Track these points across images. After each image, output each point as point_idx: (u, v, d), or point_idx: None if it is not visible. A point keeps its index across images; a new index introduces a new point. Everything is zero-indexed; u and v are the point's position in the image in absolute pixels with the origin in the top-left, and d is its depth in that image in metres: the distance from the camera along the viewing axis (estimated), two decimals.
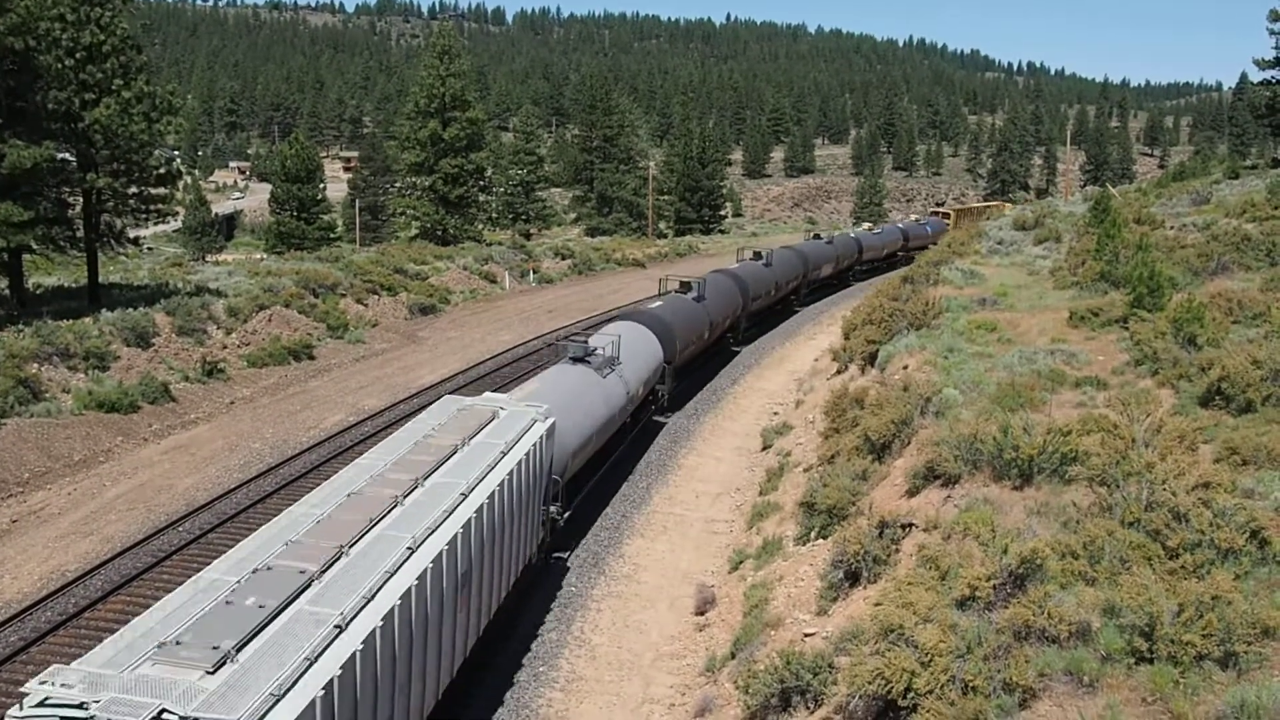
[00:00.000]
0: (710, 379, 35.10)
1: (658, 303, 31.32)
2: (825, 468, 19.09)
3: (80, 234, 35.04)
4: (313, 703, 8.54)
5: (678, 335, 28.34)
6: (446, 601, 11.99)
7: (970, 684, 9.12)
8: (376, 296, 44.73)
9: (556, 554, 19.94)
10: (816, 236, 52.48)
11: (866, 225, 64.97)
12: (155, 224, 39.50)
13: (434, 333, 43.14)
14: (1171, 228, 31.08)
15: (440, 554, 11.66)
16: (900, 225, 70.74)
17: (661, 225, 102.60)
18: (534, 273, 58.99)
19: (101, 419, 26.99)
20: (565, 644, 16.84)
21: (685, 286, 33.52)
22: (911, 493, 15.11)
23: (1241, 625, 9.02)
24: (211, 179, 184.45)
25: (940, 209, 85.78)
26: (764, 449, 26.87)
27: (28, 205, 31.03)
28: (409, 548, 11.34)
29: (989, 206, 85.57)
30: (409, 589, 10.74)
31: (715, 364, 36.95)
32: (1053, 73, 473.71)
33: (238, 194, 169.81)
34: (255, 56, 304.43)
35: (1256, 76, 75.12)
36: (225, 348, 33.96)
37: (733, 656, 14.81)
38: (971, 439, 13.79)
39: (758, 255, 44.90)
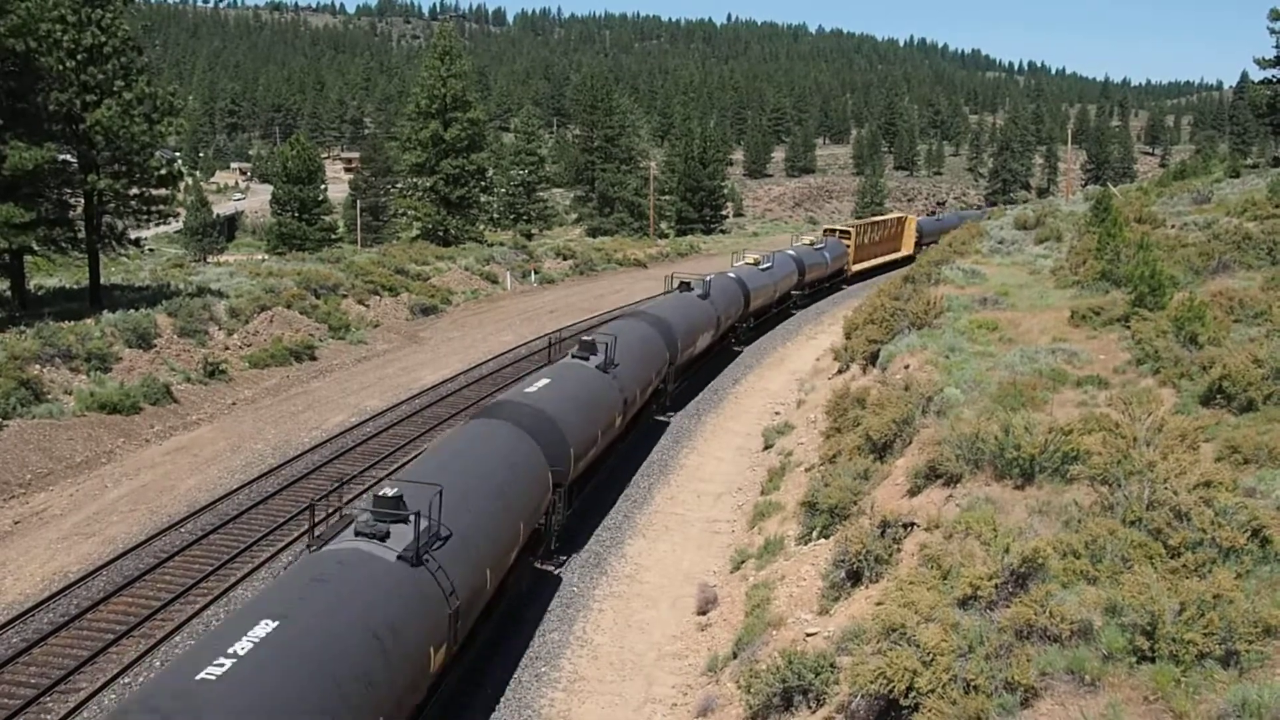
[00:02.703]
0: (711, 379, 35.11)
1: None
2: (827, 467, 19.08)
3: (82, 235, 35.08)
4: None
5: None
6: None
7: (972, 683, 9.12)
8: (378, 297, 44.75)
9: (557, 559, 19.98)
10: (685, 285, 33.74)
11: (751, 258, 44.69)
12: (156, 225, 39.54)
13: (435, 333, 43.15)
14: (1173, 227, 31.06)
15: None
16: (793, 252, 50.13)
17: (663, 225, 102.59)
18: (535, 273, 59.00)
19: (103, 420, 27.01)
20: (567, 644, 16.84)
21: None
22: (913, 492, 15.11)
23: (1243, 624, 9.01)
24: (213, 180, 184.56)
25: (837, 228, 63.30)
26: (765, 449, 26.87)
27: (29, 207, 31.07)
28: None
29: (902, 220, 71.94)
30: None
31: (716, 365, 36.94)
32: (1054, 72, 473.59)
33: (239, 195, 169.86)
34: (256, 57, 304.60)
35: (1257, 75, 75.21)
36: (227, 349, 33.98)
37: (735, 656, 14.81)
38: (973, 438, 13.78)
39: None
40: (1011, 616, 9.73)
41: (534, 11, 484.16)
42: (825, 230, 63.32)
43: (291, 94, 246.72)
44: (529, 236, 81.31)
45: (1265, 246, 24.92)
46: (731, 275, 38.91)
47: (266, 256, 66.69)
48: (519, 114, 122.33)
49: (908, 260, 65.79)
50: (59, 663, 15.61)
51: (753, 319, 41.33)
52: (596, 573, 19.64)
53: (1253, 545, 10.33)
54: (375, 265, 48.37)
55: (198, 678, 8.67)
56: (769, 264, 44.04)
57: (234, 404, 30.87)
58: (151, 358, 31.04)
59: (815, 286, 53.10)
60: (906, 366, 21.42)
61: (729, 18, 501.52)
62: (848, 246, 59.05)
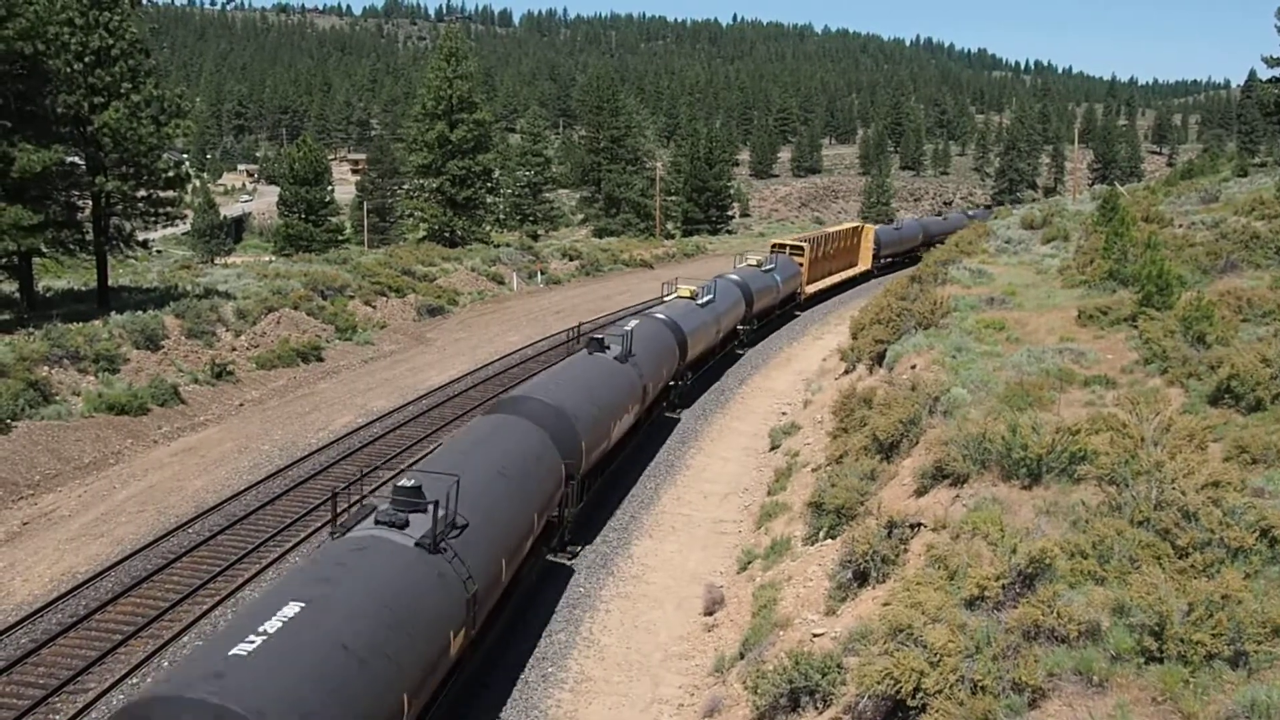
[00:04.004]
0: (717, 379, 35.10)
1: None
2: (833, 467, 19.07)
3: (89, 237, 35.24)
4: None
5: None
6: None
7: (979, 684, 9.11)
8: (385, 298, 44.81)
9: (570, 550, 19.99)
10: (597, 344, 23.78)
11: (684, 290, 33.69)
12: (164, 227, 39.70)
13: (442, 334, 43.20)
14: (1180, 226, 30.99)
15: None
16: (737, 276, 39.61)
17: (669, 226, 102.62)
18: (541, 274, 59.04)
19: (111, 421, 27.09)
20: (574, 644, 16.85)
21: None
22: (920, 492, 15.10)
23: (1252, 624, 8.99)
24: (220, 182, 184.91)
25: (787, 243, 51.94)
26: (772, 449, 26.86)
27: (37, 209, 31.20)
28: None
29: (858, 231, 62.51)
30: None
31: (721, 365, 36.92)
32: (1060, 71, 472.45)
33: (246, 197, 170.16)
34: (263, 59, 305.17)
35: (1265, 74, 74.84)
36: (234, 350, 34.05)
37: (741, 657, 14.81)
38: (980, 438, 13.76)
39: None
40: (1019, 617, 9.71)
41: (540, 12, 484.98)
42: (773, 246, 51.91)
43: (298, 96, 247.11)
44: (535, 237, 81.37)
45: (1273, 246, 24.84)
46: (660, 317, 29.39)
47: (274, 258, 66.82)
48: (525, 115, 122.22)
49: (864, 277, 60.46)
50: (68, 663, 15.65)
51: (689, 373, 31.53)
52: (603, 573, 19.64)
53: (1261, 545, 10.30)
54: (382, 266, 48.43)
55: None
56: (709, 295, 33.99)
57: (241, 405, 30.93)
58: (159, 359, 31.12)
59: (766, 316, 43.32)
60: (913, 366, 21.40)
61: (735, 18, 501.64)
62: (801, 265, 49.25)
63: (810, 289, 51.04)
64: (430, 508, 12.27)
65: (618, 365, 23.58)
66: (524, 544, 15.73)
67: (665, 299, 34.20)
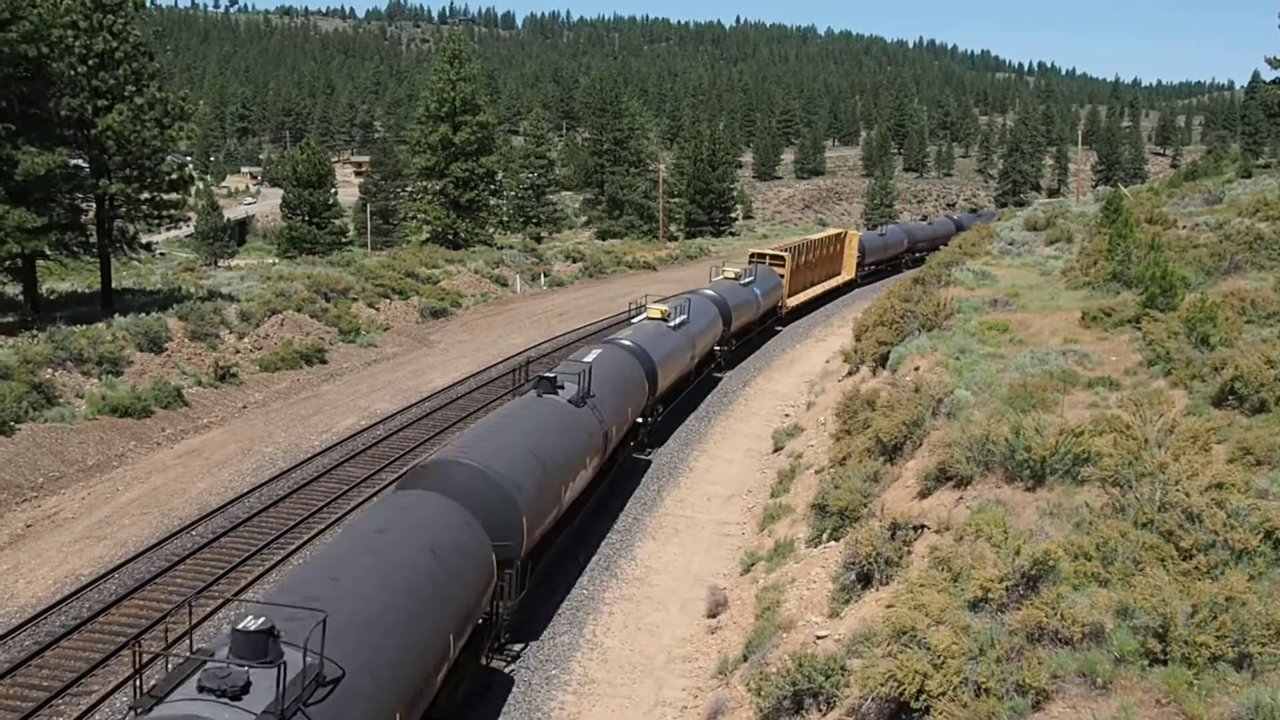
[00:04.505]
0: (720, 381, 35.09)
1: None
2: (837, 469, 19.06)
3: (93, 239, 35.27)
4: None
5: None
6: None
7: (983, 686, 9.10)
8: (388, 300, 44.85)
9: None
10: (548, 383, 19.73)
11: (654, 310, 29.06)
12: (168, 229, 39.75)
13: (445, 336, 43.23)
14: (1184, 227, 30.95)
15: None
16: (713, 291, 35.80)
17: (672, 228, 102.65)
18: (545, 276, 59.08)
19: (115, 424, 27.12)
20: (577, 646, 16.85)
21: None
22: (923, 494, 15.09)
23: (1256, 626, 8.97)
24: (223, 184, 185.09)
25: (767, 252, 48.64)
26: (775, 451, 26.86)
27: (41, 211, 31.24)
28: None
29: (840, 238, 58.57)
30: None
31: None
32: (1063, 72, 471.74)
33: (250, 199, 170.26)
34: (266, 62, 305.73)
35: (1269, 75, 74.80)
36: (238, 352, 34.09)
37: (745, 659, 14.81)
38: (983, 440, 13.75)
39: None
40: (1022, 619, 9.70)
41: (543, 15, 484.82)
42: (752, 256, 48.18)
43: (302, 98, 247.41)
44: (538, 239, 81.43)
45: (1277, 247, 24.82)
46: (627, 344, 25.32)
47: (277, 260, 66.92)
48: (528, 117, 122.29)
49: (848, 287, 57.06)
50: (71, 665, 15.67)
51: (660, 406, 27.54)
52: (606, 575, 19.65)
53: (1265, 547, 10.29)
54: (385, 269, 48.48)
55: None
56: (683, 315, 29.40)
57: (245, 407, 30.96)
58: (163, 361, 31.15)
59: (745, 335, 39.44)
60: (916, 368, 21.38)
61: (737, 20, 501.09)
62: (782, 276, 45.61)
63: (792, 302, 47.40)
64: (279, 667, 8.75)
65: (573, 410, 19.37)
66: (432, 681, 11.97)
67: (633, 320, 29.04)
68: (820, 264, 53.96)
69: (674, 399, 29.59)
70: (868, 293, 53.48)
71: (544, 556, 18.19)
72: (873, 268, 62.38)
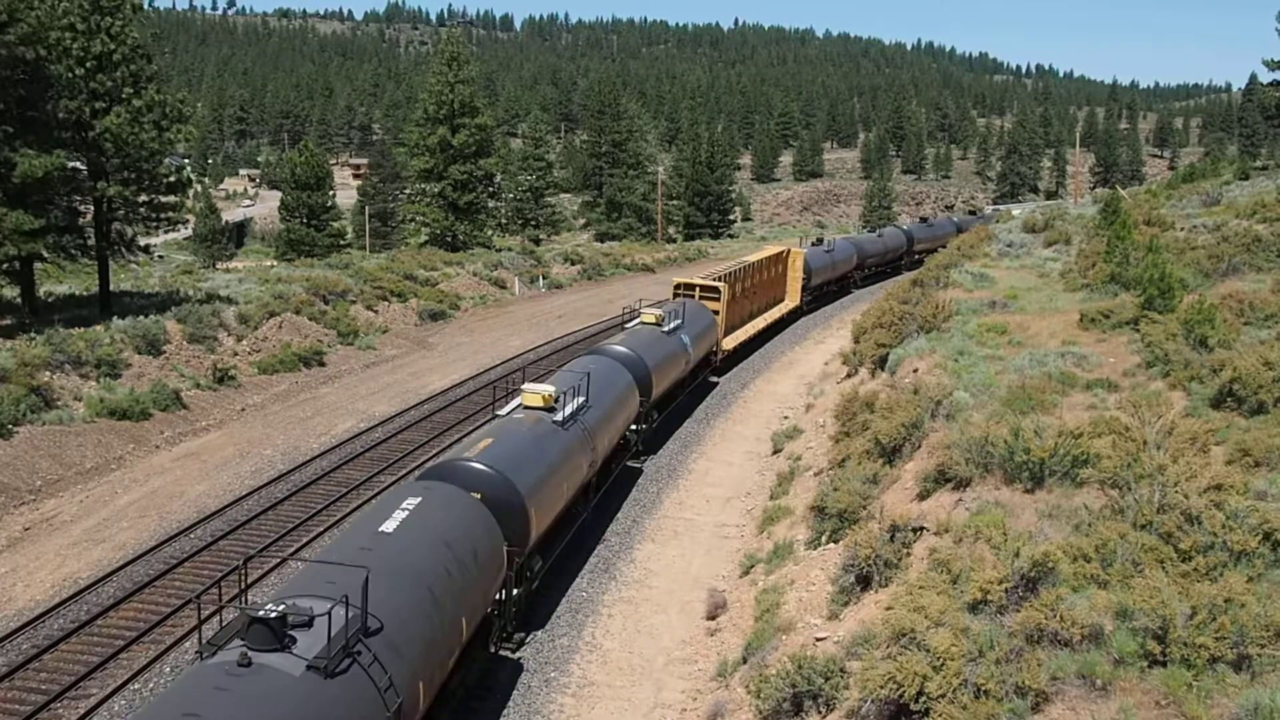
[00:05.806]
0: (718, 383, 35.08)
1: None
2: (836, 471, 19.07)
3: (91, 242, 35.24)
4: None
5: None
6: None
7: (983, 688, 9.10)
8: (386, 303, 44.84)
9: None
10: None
11: (542, 393, 19.20)
12: (166, 232, 39.79)
13: (444, 338, 43.23)
14: (1182, 229, 30.96)
15: None
16: (626, 348, 26.01)
17: (670, 230, 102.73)
18: (543, 278, 59.08)
19: (113, 426, 27.09)
20: (576, 649, 16.84)
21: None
22: (922, 496, 15.09)
23: (1255, 628, 8.98)
24: (222, 187, 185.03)
25: (696, 283, 36.81)
26: (774, 453, 26.86)
27: (39, 214, 31.23)
28: None
29: (782, 257, 47.32)
30: None
31: (722, 369, 36.86)
32: (1061, 75, 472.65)
33: (248, 201, 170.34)
34: (264, 64, 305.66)
35: (1266, 77, 74.89)
36: (236, 355, 34.07)
37: (744, 661, 14.80)
38: (982, 442, 13.76)
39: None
40: (1022, 621, 9.70)
41: (542, 17, 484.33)
42: (678, 288, 37.08)
43: (300, 100, 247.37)
44: (537, 242, 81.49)
45: (1275, 249, 24.83)
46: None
47: (275, 263, 66.95)
48: (527, 119, 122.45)
49: (794, 316, 47.90)
50: (70, 669, 15.64)
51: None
52: (605, 578, 19.64)
53: (1264, 549, 10.30)
54: (384, 271, 48.47)
55: None
56: (581, 397, 20.46)
57: (243, 410, 30.94)
58: (161, 364, 31.13)
59: (673, 396, 30.40)
60: (915, 370, 21.39)
61: (736, 22, 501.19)
62: (717, 313, 35.29)
63: (728, 344, 36.87)
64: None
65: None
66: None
67: (507, 408, 19.71)
68: (760, 290, 43.54)
69: (565, 532, 20.59)
70: (820, 321, 48.68)
71: (546, 557, 18.57)
72: (820, 290, 53.06)
